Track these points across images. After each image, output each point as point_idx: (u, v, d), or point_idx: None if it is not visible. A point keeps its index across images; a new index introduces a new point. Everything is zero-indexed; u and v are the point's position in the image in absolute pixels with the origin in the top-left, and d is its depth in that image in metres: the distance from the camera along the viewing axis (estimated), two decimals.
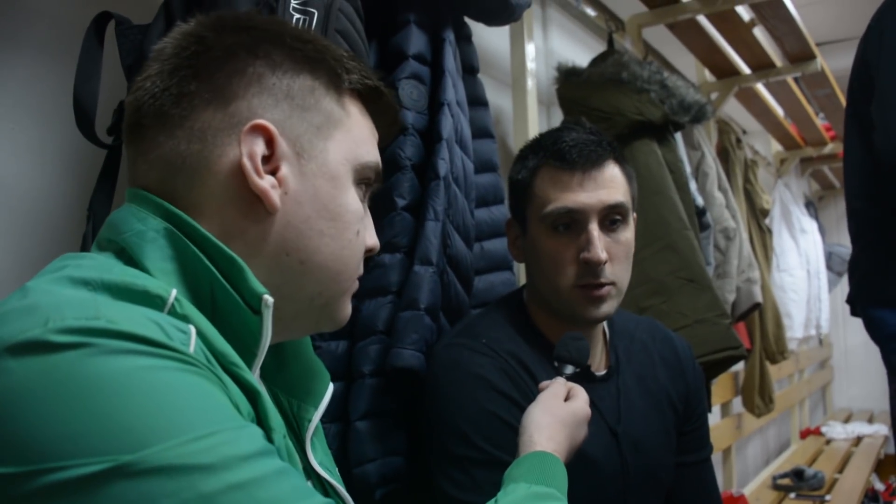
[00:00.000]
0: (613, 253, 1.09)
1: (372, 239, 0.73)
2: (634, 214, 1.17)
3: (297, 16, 0.97)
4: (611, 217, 1.10)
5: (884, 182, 1.41)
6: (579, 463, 0.93)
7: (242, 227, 0.63)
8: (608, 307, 1.10)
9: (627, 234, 1.12)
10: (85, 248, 0.88)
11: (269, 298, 0.60)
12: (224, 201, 0.62)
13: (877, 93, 1.40)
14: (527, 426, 0.87)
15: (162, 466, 0.45)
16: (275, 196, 0.63)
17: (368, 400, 1.10)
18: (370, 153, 0.71)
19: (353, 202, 0.69)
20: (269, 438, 0.58)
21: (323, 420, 0.75)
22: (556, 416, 0.87)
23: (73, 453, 0.45)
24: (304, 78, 0.66)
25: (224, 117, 0.62)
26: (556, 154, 1.10)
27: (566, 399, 0.92)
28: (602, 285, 1.08)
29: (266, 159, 0.63)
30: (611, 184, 1.10)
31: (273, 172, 0.63)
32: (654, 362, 1.23)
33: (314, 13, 0.98)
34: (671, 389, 1.22)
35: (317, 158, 0.65)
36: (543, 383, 0.95)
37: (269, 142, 0.63)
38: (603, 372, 1.17)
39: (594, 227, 1.07)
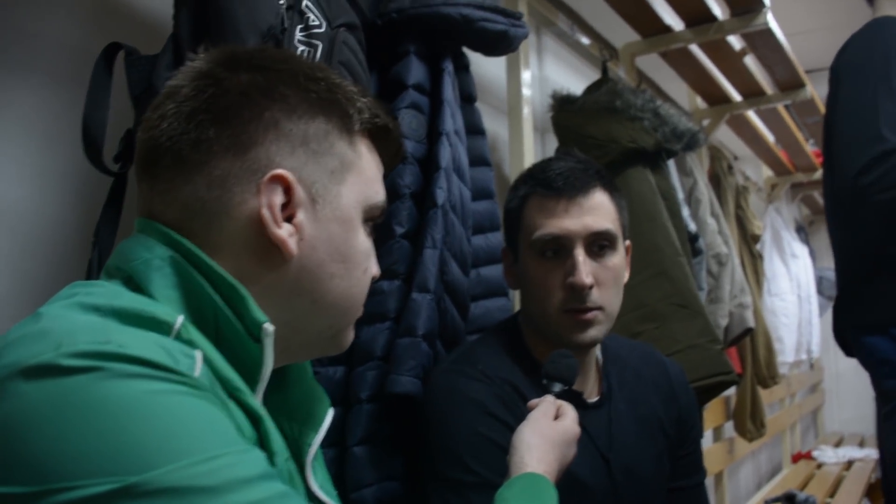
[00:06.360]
0: (601, 278, 1.10)
1: (375, 268, 0.75)
2: (627, 243, 1.19)
3: (301, 47, 0.99)
4: (598, 243, 1.11)
5: (834, 218, 1.56)
6: (571, 489, 0.94)
7: (258, 273, 0.65)
8: (595, 332, 1.11)
9: (615, 259, 1.13)
10: (90, 273, 0.89)
11: (269, 327, 0.62)
12: (241, 246, 0.64)
13: (832, 136, 1.49)
14: (517, 446, 0.87)
15: (167, 488, 0.47)
16: (292, 244, 0.64)
17: (366, 425, 1.11)
18: (379, 193, 0.73)
19: (363, 242, 0.71)
20: (272, 462, 0.59)
21: (321, 445, 0.76)
22: (545, 436, 0.88)
23: (81, 474, 0.46)
24: (318, 122, 0.67)
25: (243, 164, 0.64)
26: (544, 182, 1.13)
27: (556, 417, 0.92)
28: (588, 310, 1.10)
29: (283, 206, 0.64)
30: (597, 211, 1.11)
31: (289, 219, 0.65)
32: (646, 388, 1.24)
33: (318, 45, 1.00)
34: (663, 414, 1.23)
35: (331, 203, 0.67)
36: (532, 402, 0.95)
37: (287, 189, 0.64)
38: (595, 399, 1.18)
39: (580, 253, 1.09)
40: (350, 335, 0.74)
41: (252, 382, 0.62)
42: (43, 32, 0.99)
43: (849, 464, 4.36)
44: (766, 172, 4.28)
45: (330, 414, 0.77)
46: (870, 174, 1.39)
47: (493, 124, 1.87)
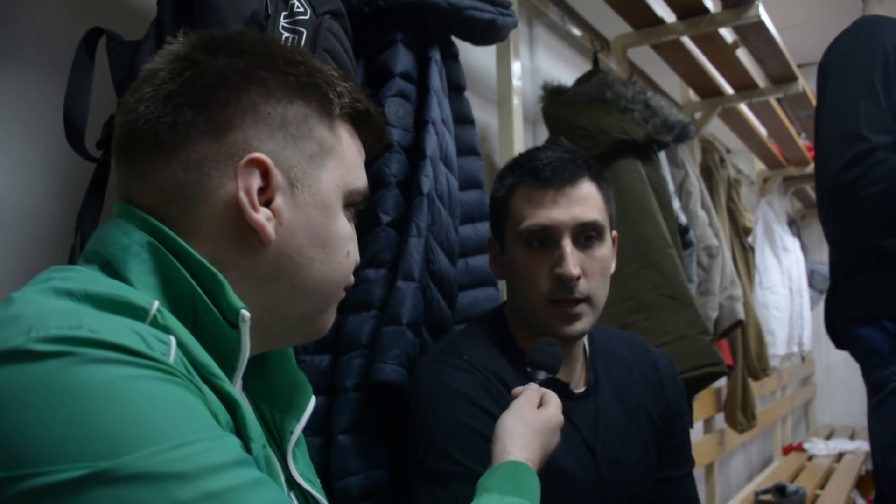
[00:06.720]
0: (588, 269, 1.10)
1: (356, 254, 0.75)
2: (614, 233, 1.18)
3: (286, 34, 0.99)
4: (585, 234, 1.11)
5: (824, 212, 1.56)
6: (556, 479, 0.94)
7: (236, 258, 0.64)
8: (582, 324, 1.11)
9: (603, 250, 1.13)
10: (73, 260, 0.89)
11: (245, 313, 0.61)
12: (218, 230, 0.64)
13: (818, 133, 1.51)
14: (500, 435, 0.86)
15: (139, 474, 0.46)
16: (270, 228, 0.64)
17: (351, 414, 1.11)
18: (360, 178, 0.72)
19: (344, 227, 0.70)
20: (248, 449, 0.59)
21: (306, 434, 0.76)
22: (529, 424, 0.87)
23: (52, 459, 0.46)
24: (297, 106, 0.66)
25: (220, 148, 0.63)
26: (531, 172, 1.12)
27: (539, 406, 0.92)
28: (576, 301, 1.09)
29: (260, 190, 0.64)
30: (585, 201, 1.11)
31: (267, 203, 0.64)
32: (633, 378, 1.24)
33: (303, 32, 0.99)
34: (650, 405, 1.23)
35: (310, 188, 0.67)
36: (517, 389, 0.95)
37: (265, 173, 0.64)
38: (582, 389, 1.18)
39: (567, 243, 1.09)
40: (331, 318, 0.74)
41: (229, 369, 0.62)
42: (24, 18, 0.98)
43: (839, 456, 4.39)
44: (759, 166, 4.29)
45: (312, 402, 0.76)
46: (850, 172, 1.41)
47: (484, 114, 1.87)
